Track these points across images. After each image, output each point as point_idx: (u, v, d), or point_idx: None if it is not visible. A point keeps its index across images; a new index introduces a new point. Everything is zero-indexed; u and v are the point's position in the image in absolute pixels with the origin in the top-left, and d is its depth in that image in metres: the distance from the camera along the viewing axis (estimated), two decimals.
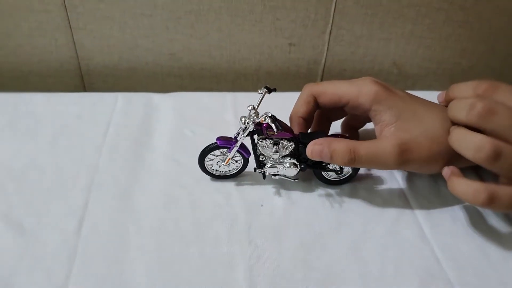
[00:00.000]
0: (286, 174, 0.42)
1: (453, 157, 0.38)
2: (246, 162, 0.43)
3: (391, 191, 0.43)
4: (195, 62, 0.60)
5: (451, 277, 0.35)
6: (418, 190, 0.43)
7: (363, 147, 0.38)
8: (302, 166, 0.42)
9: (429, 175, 0.44)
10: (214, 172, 0.43)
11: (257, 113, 0.39)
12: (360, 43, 0.59)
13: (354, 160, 0.38)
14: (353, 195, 0.43)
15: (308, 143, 0.40)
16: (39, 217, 0.38)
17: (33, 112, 0.51)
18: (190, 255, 0.36)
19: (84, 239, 0.37)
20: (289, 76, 0.62)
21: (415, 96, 0.42)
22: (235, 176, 0.44)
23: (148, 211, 0.40)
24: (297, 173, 0.42)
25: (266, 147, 0.40)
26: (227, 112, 0.52)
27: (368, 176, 0.45)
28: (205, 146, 0.42)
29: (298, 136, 0.41)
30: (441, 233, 0.39)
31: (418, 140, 0.38)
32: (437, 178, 0.44)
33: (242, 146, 0.41)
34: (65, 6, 0.54)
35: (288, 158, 0.41)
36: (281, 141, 0.40)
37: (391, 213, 0.41)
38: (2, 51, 0.57)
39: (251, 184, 0.43)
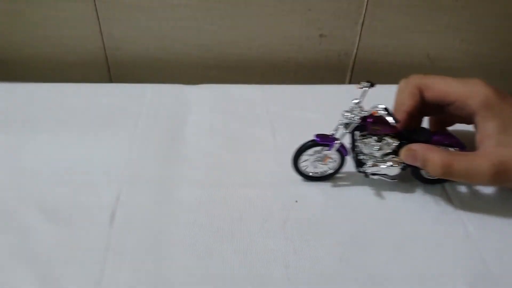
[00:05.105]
0: (388, 174, 0.39)
1: None
2: (343, 161, 0.40)
3: (432, 190, 0.41)
4: (224, 53, 0.59)
5: (499, 280, 0.34)
6: (460, 190, 0.41)
7: (458, 163, 0.36)
8: (404, 165, 0.38)
9: None
10: (310, 174, 0.40)
11: (361, 108, 0.36)
12: (394, 35, 0.57)
13: (446, 174, 0.36)
14: (392, 193, 0.41)
15: (411, 140, 0.37)
16: (72, 209, 0.38)
17: (64, 102, 0.51)
18: (225, 251, 0.35)
19: (117, 232, 0.36)
20: (318, 68, 0.60)
21: None
22: (332, 176, 0.41)
23: (181, 205, 0.39)
24: (398, 173, 0.39)
25: (369, 145, 0.38)
26: (257, 104, 0.51)
27: (407, 174, 0.43)
28: (299, 145, 0.39)
29: (402, 132, 0.38)
30: (487, 235, 0.37)
31: None
32: None
33: (342, 143, 0.39)
34: None
35: (391, 156, 0.38)
36: (384, 138, 0.38)
37: (433, 213, 0.39)
38: (33, 42, 0.57)
39: (286, 180, 0.42)
